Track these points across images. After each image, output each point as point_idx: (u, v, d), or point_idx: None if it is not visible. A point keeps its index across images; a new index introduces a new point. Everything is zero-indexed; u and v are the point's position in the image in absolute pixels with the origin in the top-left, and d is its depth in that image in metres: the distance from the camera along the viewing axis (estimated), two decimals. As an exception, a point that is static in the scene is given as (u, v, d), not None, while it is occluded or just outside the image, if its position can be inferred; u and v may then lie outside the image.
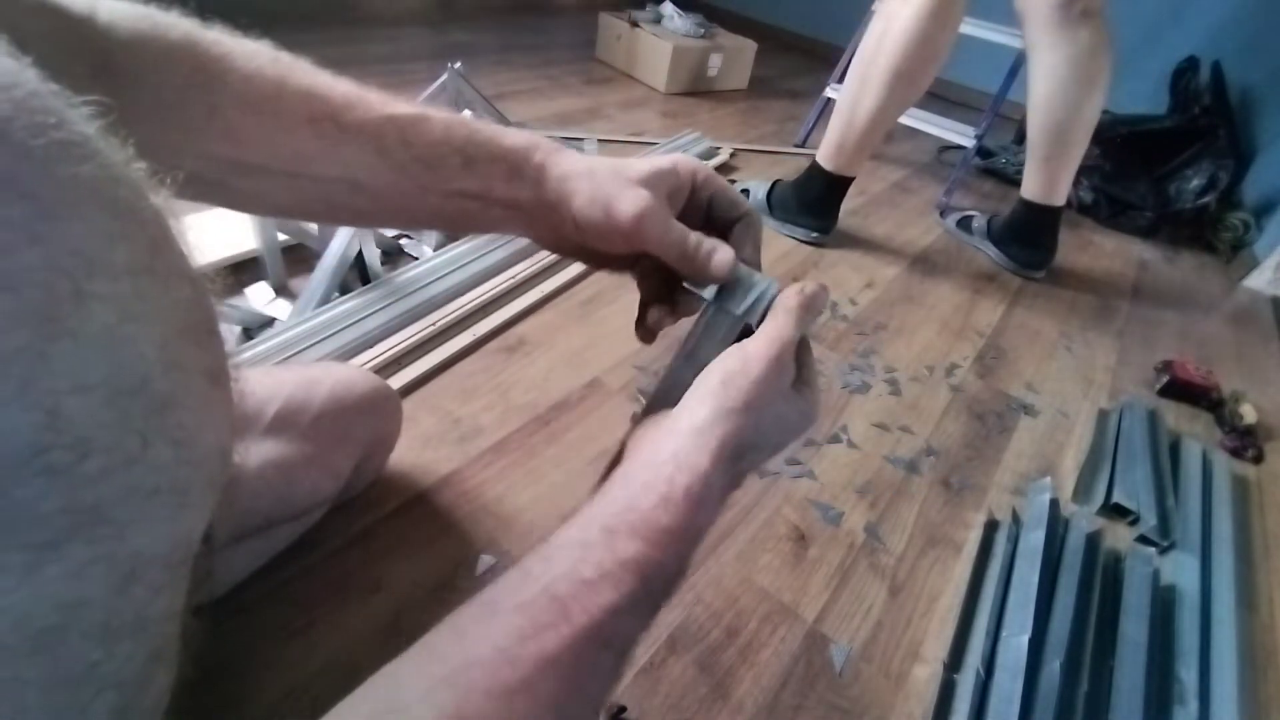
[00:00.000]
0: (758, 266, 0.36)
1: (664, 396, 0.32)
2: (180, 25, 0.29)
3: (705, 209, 0.36)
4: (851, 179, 1.27)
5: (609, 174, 0.33)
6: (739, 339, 0.32)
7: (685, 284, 0.35)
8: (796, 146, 1.74)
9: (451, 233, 0.38)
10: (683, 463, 0.27)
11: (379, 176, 0.33)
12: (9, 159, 0.14)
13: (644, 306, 0.38)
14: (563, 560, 0.25)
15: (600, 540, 0.26)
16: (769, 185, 1.34)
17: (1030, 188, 1.25)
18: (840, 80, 1.67)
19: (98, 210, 0.16)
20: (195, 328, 0.18)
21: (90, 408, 0.15)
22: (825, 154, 1.24)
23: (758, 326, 0.32)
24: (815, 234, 1.29)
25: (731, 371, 0.29)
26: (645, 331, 0.38)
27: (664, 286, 0.37)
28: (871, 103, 1.16)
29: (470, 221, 0.36)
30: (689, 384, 0.30)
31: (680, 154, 0.35)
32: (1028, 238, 1.29)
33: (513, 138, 0.34)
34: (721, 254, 0.33)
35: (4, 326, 0.13)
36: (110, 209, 0.16)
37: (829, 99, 1.70)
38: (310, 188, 0.33)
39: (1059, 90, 1.13)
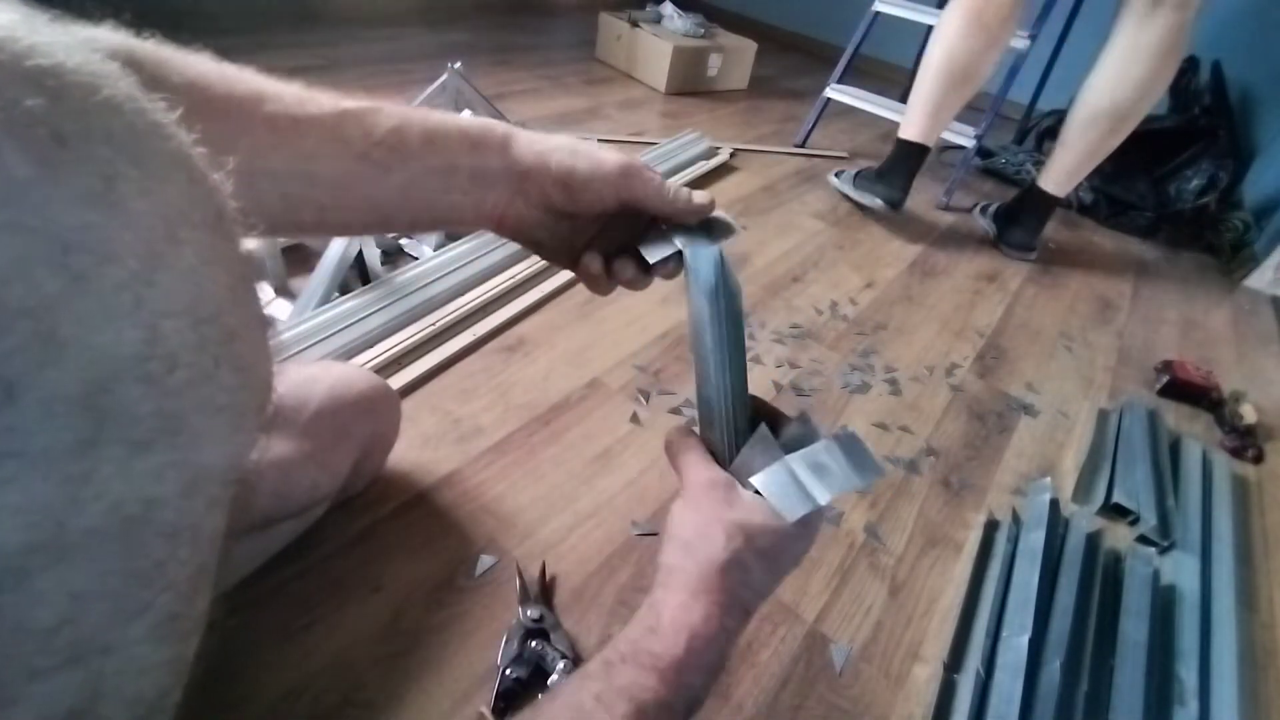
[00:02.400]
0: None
1: (695, 342, 0.37)
2: (113, 37, 0.28)
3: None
4: (923, 149, 1.34)
5: (580, 141, 0.36)
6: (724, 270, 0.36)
7: (643, 247, 0.38)
8: (796, 146, 1.74)
9: (409, 230, 0.39)
10: (667, 600, 0.31)
11: (338, 164, 0.33)
12: (125, 133, 0.17)
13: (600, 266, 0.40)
14: (566, 692, 0.29)
15: (598, 671, 0.29)
16: (866, 166, 1.48)
17: (1055, 181, 1.33)
18: (841, 80, 1.67)
19: (183, 177, 0.19)
20: (247, 280, 0.22)
21: (179, 329, 0.18)
22: (904, 124, 1.35)
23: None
24: (880, 201, 1.38)
25: (740, 526, 0.33)
26: (604, 282, 0.39)
27: (617, 250, 0.39)
28: (934, 70, 1.26)
29: (433, 206, 0.36)
30: (704, 323, 0.36)
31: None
32: (1035, 224, 1.38)
33: (469, 119, 0.36)
34: (700, 194, 0.37)
35: (122, 255, 0.16)
36: (189, 177, 0.20)
37: (829, 99, 1.70)
38: (265, 184, 0.32)
39: (1132, 73, 1.17)
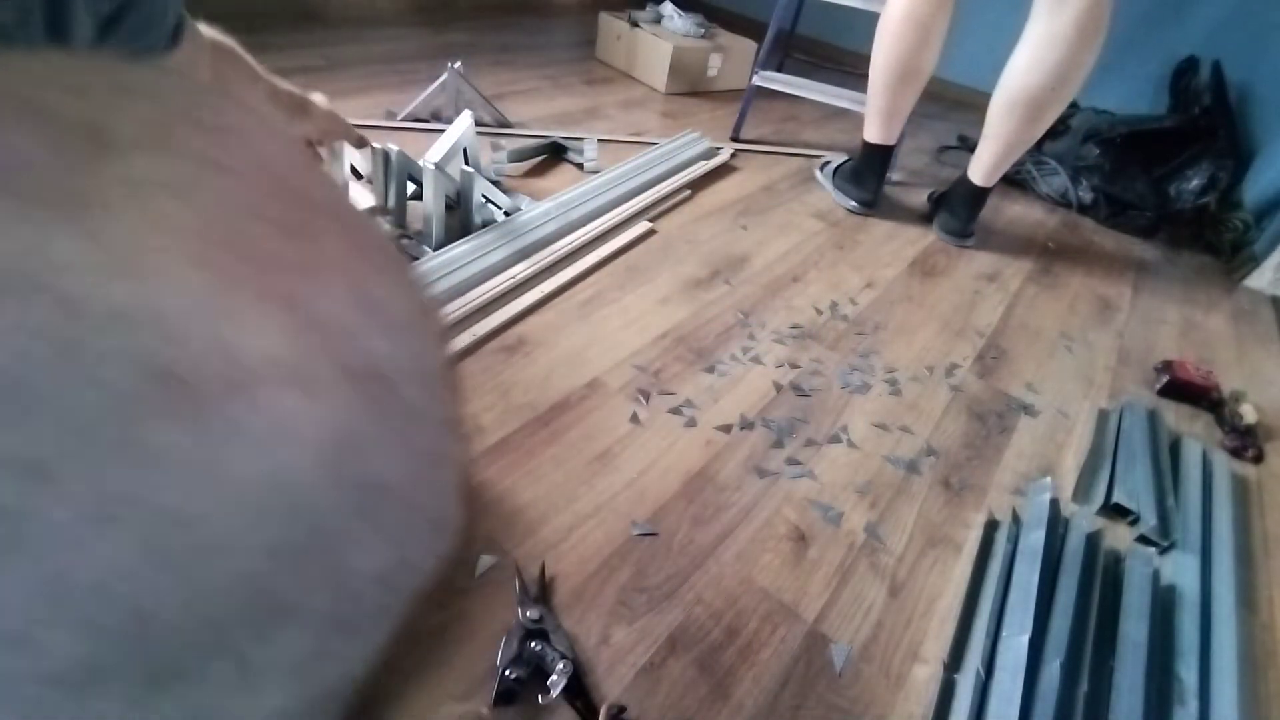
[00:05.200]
0: None
1: None
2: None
3: None
4: (886, 148, 1.39)
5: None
6: None
7: None
8: (732, 139, 1.70)
9: None
10: None
11: None
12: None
13: None
14: None
15: None
16: (845, 159, 1.53)
17: (978, 171, 1.33)
18: (764, 67, 1.64)
19: None
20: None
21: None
22: (865, 127, 1.39)
23: None
24: (854, 203, 1.43)
25: None
26: None
27: None
28: (879, 73, 1.30)
29: None
30: None
31: None
32: (965, 213, 1.39)
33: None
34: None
35: None
36: None
37: (757, 88, 1.65)
38: None
39: (1048, 59, 1.14)
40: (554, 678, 0.51)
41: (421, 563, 0.18)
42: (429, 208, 0.97)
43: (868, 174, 1.43)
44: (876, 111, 1.35)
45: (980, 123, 1.56)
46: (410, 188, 1.08)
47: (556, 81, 1.85)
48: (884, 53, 1.28)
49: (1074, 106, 1.89)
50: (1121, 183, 1.67)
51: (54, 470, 0.11)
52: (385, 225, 1.02)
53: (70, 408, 0.11)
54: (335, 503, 0.14)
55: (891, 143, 1.39)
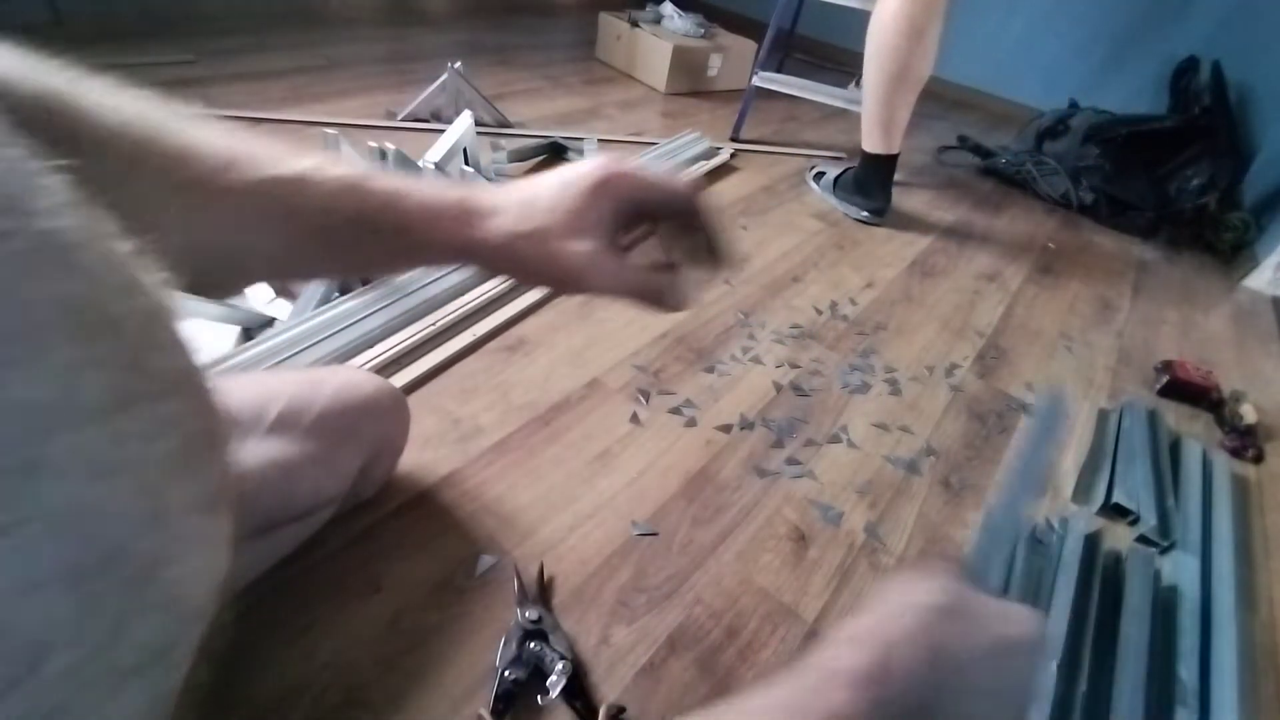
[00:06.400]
0: (705, 248, 0.37)
1: None
2: (28, 80, 0.23)
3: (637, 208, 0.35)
4: (891, 157, 1.35)
5: (544, 233, 0.32)
6: None
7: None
8: (731, 139, 1.70)
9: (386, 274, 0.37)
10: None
11: (268, 241, 0.30)
12: None
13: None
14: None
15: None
16: (842, 169, 1.47)
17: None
18: (764, 67, 1.64)
19: (62, 338, 0.12)
20: (189, 450, 0.15)
21: (44, 606, 0.11)
22: (864, 138, 1.35)
23: None
24: (866, 213, 1.40)
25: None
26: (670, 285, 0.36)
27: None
28: (875, 83, 1.27)
29: (397, 264, 0.37)
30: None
31: (604, 167, 0.33)
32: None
33: (419, 197, 0.32)
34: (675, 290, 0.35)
35: None
36: (78, 330, 0.12)
37: (757, 88, 1.65)
38: (199, 254, 0.29)
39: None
40: (553, 678, 0.51)
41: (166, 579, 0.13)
42: (429, 208, 0.97)
43: (874, 184, 1.38)
44: (876, 123, 1.31)
45: (980, 122, 1.57)
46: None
47: (556, 81, 1.85)
48: (878, 61, 1.24)
49: (1074, 106, 1.90)
50: (1121, 183, 1.67)
51: None
52: None
53: None
54: None
55: (894, 151, 1.35)
